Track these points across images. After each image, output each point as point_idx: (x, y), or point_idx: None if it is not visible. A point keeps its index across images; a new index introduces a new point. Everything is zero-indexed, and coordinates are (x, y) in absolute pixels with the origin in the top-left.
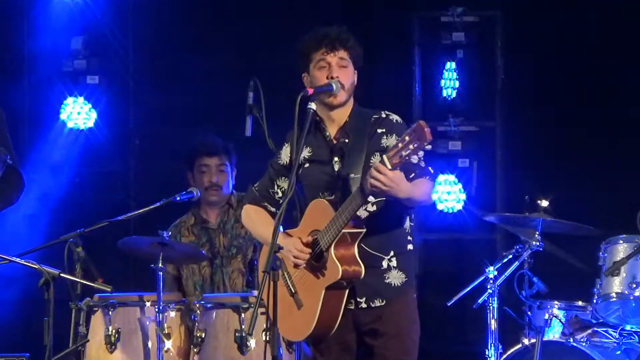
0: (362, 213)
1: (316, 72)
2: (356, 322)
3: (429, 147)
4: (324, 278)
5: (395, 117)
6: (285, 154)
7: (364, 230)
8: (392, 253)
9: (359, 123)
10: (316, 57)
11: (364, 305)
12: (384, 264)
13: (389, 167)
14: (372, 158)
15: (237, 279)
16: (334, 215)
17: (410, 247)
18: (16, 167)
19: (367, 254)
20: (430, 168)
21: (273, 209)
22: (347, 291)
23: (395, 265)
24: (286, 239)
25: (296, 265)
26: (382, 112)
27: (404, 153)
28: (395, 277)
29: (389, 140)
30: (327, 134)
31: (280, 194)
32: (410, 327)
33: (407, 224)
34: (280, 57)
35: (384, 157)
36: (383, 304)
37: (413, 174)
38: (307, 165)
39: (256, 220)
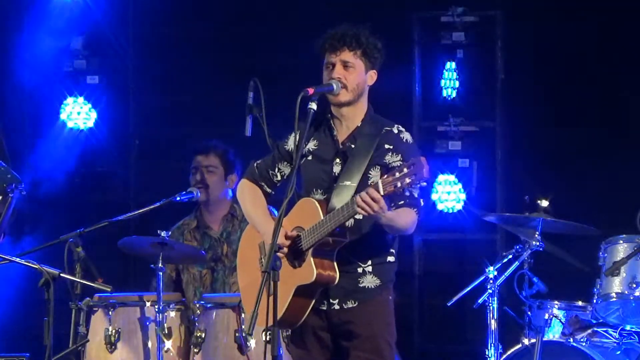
0: (349, 220)
1: (324, 72)
2: (330, 323)
3: (424, 184)
4: (298, 277)
5: (406, 136)
6: (291, 141)
7: (346, 240)
8: (369, 262)
9: (370, 131)
10: (325, 58)
11: (336, 307)
12: (359, 269)
13: (382, 193)
14: (371, 170)
15: (237, 292)
16: (320, 219)
17: (390, 259)
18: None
19: (345, 259)
20: (421, 200)
21: (269, 190)
22: (318, 291)
23: (370, 271)
24: (272, 224)
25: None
26: (395, 127)
27: (399, 184)
28: (369, 281)
29: (393, 158)
30: (335, 133)
31: (279, 177)
32: (384, 329)
33: (390, 236)
34: (280, 57)
35: (379, 182)
36: (355, 305)
37: (402, 202)
38: (309, 157)
39: (248, 197)
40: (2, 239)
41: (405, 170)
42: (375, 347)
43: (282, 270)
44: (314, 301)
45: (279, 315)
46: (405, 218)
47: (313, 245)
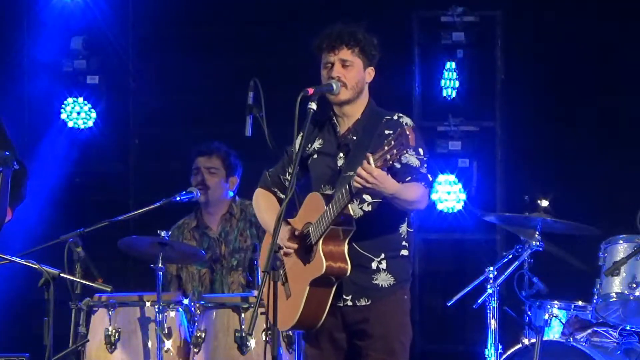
0: (357, 212)
1: (322, 71)
2: (345, 321)
3: (412, 152)
4: (310, 271)
5: (406, 120)
6: (299, 143)
7: (354, 228)
8: (382, 256)
9: (370, 122)
10: (322, 57)
11: (349, 304)
12: (373, 265)
13: (372, 165)
14: None
15: (236, 291)
16: (324, 209)
17: (404, 252)
18: (18, 158)
19: (358, 254)
20: (429, 175)
21: (282, 196)
22: (334, 287)
23: (384, 267)
24: (282, 227)
25: (286, 254)
26: (396, 115)
27: (388, 157)
28: (383, 279)
29: None
30: (338, 129)
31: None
32: (398, 329)
33: (404, 229)
34: (281, 57)
35: (370, 156)
36: (368, 303)
37: (409, 177)
38: (315, 156)
39: (262, 205)
40: (10, 217)
41: (392, 142)
42: (389, 348)
43: (295, 269)
44: (330, 299)
45: (297, 316)
46: (412, 190)
47: (321, 236)
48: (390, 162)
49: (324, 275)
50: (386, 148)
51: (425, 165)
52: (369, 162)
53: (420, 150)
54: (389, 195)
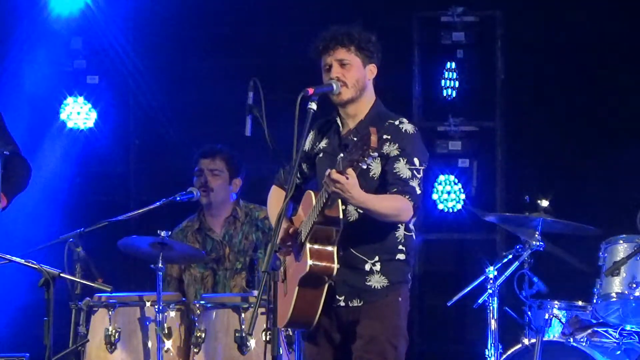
0: (353, 214)
1: (323, 74)
2: (339, 322)
3: (374, 154)
4: (299, 270)
5: (406, 127)
6: (308, 141)
7: (340, 228)
8: (376, 258)
9: (373, 124)
10: (321, 61)
11: (342, 304)
12: (367, 267)
13: (340, 169)
14: (372, 162)
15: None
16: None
17: (400, 256)
18: (19, 153)
19: (352, 255)
20: (418, 188)
21: (294, 193)
22: (325, 287)
23: (378, 270)
24: (283, 225)
25: (282, 253)
26: (398, 119)
27: (353, 157)
28: (377, 281)
29: (391, 148)
30: (341, 129)
31: (301, 179)
32: (389, 331)
33: (400, 233)
34: (281, 57)
35: (339, 159)
36: (360, 304)
37: (395, 189)
38: (321, 155)
39: (273, 202)
40: (4, 203)
41: (358, 144)
42: (379, 350)
43: (291, 268)
44: (322, 297)
45: (289, 313)
46: (388, 202)
47: (307, 235)
48: (357, 164)
49: (310, 274)
50: (352, 150)
51: (419, 176)
52: (337, 169)
53: (416, 160)
54: (356, 204)
